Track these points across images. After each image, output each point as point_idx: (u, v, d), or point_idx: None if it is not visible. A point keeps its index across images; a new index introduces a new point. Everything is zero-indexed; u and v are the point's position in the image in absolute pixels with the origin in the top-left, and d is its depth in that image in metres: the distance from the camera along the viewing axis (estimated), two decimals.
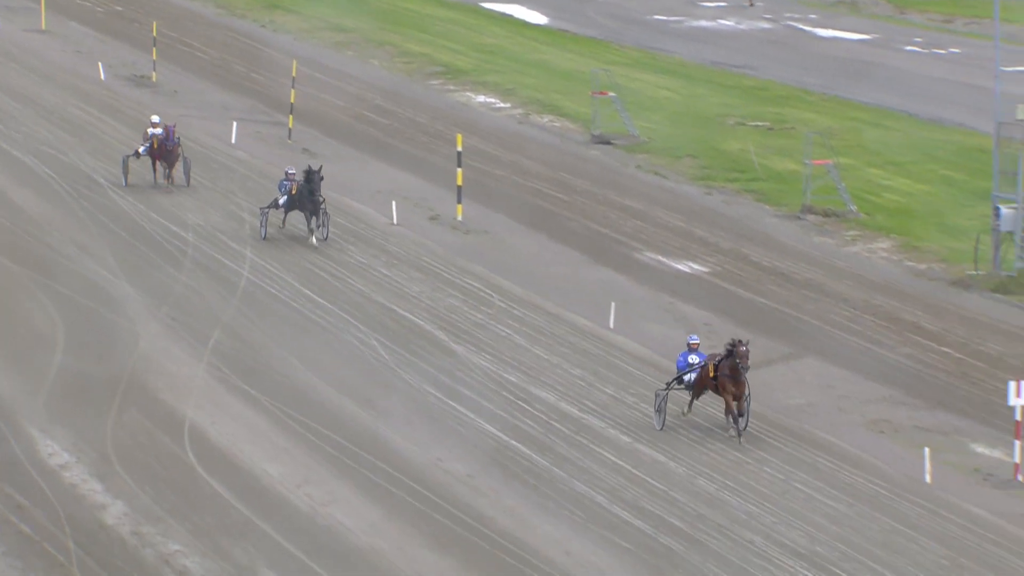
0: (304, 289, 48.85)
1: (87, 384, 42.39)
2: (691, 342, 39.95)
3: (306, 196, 49.73)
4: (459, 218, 55.63)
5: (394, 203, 56.15)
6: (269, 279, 49.89)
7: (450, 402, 41.46)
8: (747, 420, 38.02)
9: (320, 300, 48.13)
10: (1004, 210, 49.50)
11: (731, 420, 38.24)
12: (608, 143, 65.71)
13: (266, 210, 50.69)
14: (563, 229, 55.45)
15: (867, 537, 34.45)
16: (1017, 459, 37.23)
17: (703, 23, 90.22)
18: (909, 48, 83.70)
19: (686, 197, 59.63)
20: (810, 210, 56.90)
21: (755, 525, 34.95)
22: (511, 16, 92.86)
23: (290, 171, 50.83)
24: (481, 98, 73.88)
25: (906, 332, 46.51)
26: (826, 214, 56.69)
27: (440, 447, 38.77)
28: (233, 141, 65.46)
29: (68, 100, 72.32)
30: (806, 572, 32.90)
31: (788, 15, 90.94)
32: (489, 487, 36.91)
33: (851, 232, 55.44)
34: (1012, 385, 37.23)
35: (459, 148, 56.41)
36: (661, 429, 38.89)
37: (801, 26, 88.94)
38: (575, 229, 55.52)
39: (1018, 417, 37.10)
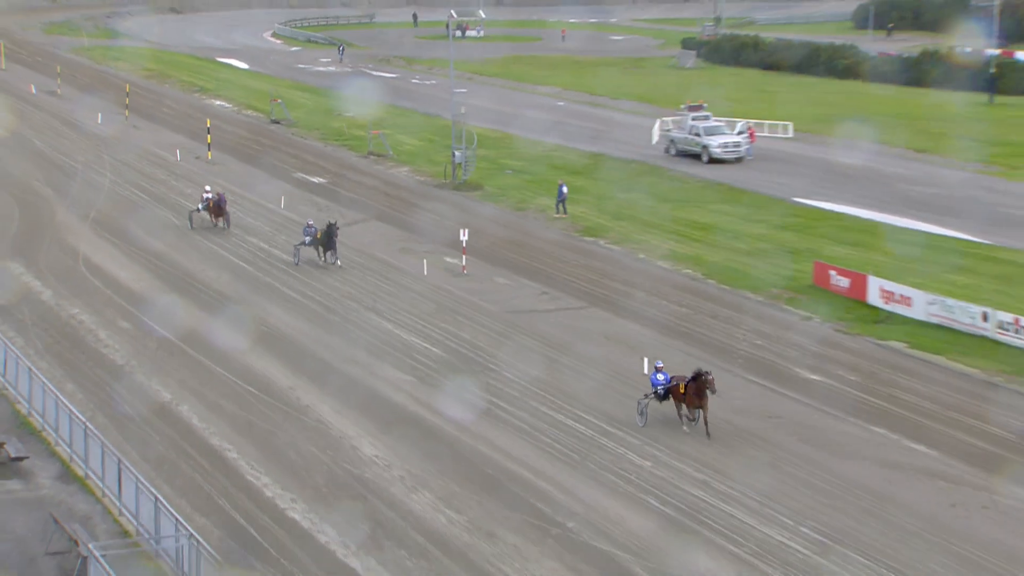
0: (137, 192, 47.37)
1: (32, 237, 40.96)
2: (658, 366, 26.64)
3: (326, 240, 38.67)
4: (209, 158, 54.41)
5: (178, 151, 54.80)
6: (131, 185, 48.26)
7: (187, 232, 40.90)
8: (706, 422, 25.91)
9: (144, 197, 46.78)
10: (457, 153, 50.61)
11: (686, 421, 26.19)
12: (279, 123, 64.76)
13: (297, 247, 38.66)
14: (261, 162, 54.14)
15: (413, 305, 34.69)
16: (463, 263, 37.86)
17: (320, 68, 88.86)
18: (415, 80, 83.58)
19: (315, 148, 59.13)
20: (372, 153, 57.16)
21: (365, 301, 34.87)
22: (232, 64, 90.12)
23: (310, 222, 39.41)
24: (218, 102, 71.80)
25: (417, 208, 46.72)
26: (379, 155, 57.01)
27: (190, 253, 38.25)
28: (98, 122, 62.45)
29: None
30: (398, 331, 33.13)
31: (360, 65, 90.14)
32: (225, 281, 36.22)
33: (390, 163, 55.72)
34: (462, 231, 38.00)
35: (208, 125, 55.40)
36: (643, 426, 26.11)
37: (366, 70, 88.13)
38: (266, 161, 54.44)
39: (464, 244, 37.90)
